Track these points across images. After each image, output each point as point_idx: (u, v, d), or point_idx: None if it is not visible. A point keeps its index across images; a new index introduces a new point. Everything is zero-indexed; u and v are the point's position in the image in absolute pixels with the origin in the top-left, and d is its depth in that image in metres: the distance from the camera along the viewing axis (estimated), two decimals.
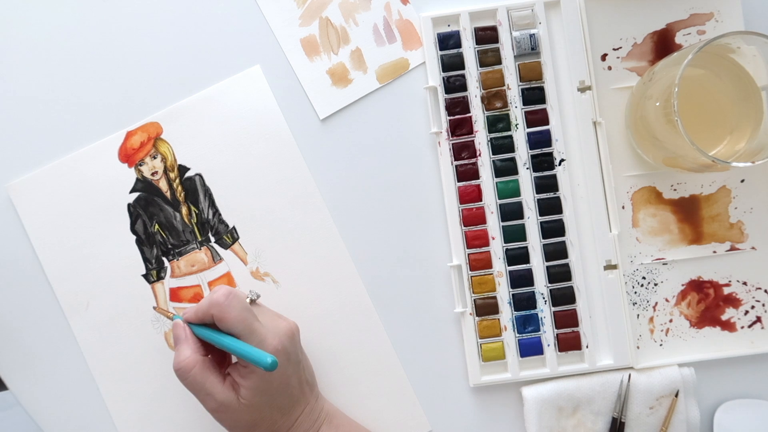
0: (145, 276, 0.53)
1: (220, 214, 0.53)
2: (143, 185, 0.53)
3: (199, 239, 0.53)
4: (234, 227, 0.53)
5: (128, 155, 0.53)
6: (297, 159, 0.53)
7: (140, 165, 0.53)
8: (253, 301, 0.48)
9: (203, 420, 0.52)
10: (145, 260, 0.53)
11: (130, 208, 0.53)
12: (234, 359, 0.48)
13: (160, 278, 0.53)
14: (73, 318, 0.53)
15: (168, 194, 0.53)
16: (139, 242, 0.53)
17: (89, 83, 0.54)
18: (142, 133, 0.53)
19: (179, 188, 0.53)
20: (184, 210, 0.53)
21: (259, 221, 0.53)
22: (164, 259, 0.53)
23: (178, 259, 0.53)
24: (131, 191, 0.53)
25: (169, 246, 0.53)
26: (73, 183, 0.53)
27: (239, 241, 0.53)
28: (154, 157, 0.53)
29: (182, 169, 0.53)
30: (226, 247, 0.53)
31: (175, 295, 0.53)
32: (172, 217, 0.53)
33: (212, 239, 0.53)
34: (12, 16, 0.54)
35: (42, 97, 0.54)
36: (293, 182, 0.53)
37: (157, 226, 0.53)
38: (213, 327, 0.46)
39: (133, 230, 0.53)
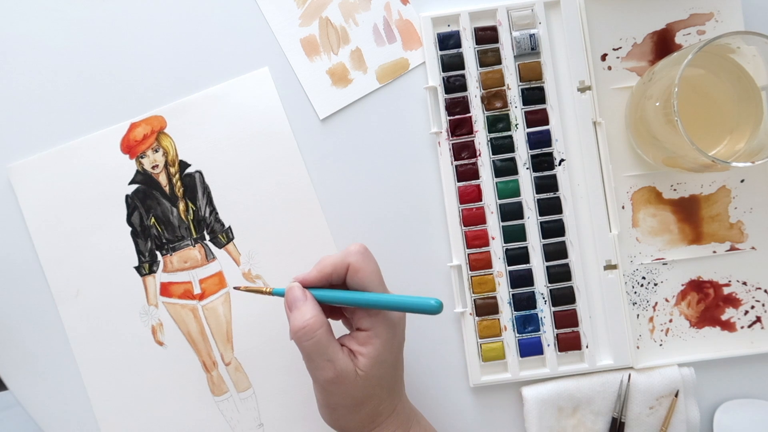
0: (137, 268, 0.53)
1: (217, 213, 0.53)
2: (143, 178, 0.53)
3: (194, 236, 0.53)
4: (230, 227, 0.53)
5: (130, 147, 0.53)
6: (298, 163, 0.53)
7: (141, 157, 0.53)
8: None
9: (183, 416, 0.52)
10: (139, 253, 0.53)
11: (128, 199, 0.53)
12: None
13: (152, 272, 0.53)
14: (62, 304, 0.53)
15: (167, 189, 0.53)
16: (134, 234, 0.53)
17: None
18: (146, 126, 0.53)
19: (178, 183, 0.53)
20: (181, 206, 0.53)
21: (256, 223, 0.53)
22: (158, 253, 0.53)
23: (171, 254, 0.53)
24: (130, 183, 0.53)
25: (164, 240, 0.53)
26: (73, 170, 0.53)
27: (234, 242, 0.53)
28: (156, 151, 0.53)
29: (183, 165, 0.53)
30: (220, 246, 0.53)
31: (165, 289, 0.53)
32: (168, 212, 0.53)
33: (207, 237, 0.53)
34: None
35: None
36: (292, 186, 0.53)
37: (153, 220, 0.53)
38: (335, 288, 0.43)
39: (129, 222, 0.53)
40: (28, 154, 0.53)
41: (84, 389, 0.53)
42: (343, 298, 0.42)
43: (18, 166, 0.53)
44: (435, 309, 0.38)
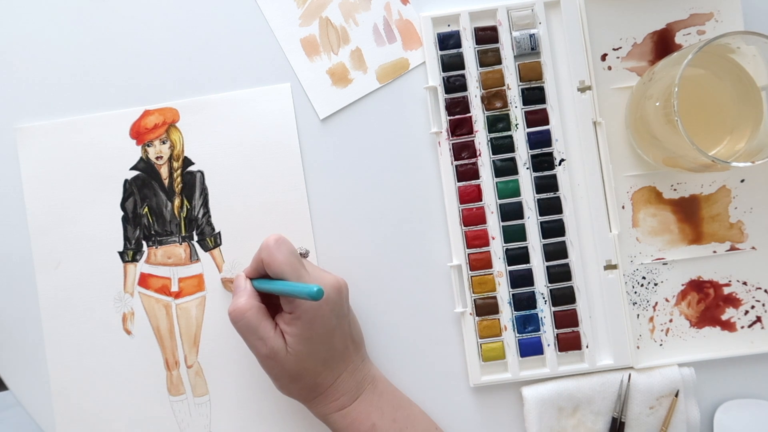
0: (121, 254, 0.53)
1: (209, 216, 0.53)
2: (145, 166, 0.53)
3: (183, 234, 0.53)
4: (219, 232, 0.53)
5: (139, 133, 0.53)
6: (299, 185, 0.53)
7: (148, 146, 0.53)
8: (302, 255, 0.48)
9: (135, 407, 0.53)
10: (126, 239, 0.53)
11: (126, 184, 0.53)
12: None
13: (134, 260, 0.53)
14: (40, 273, 0.53)
15: (166, 182, 0.53)
16: (125, 220, 0.53)
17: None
18: (159, 116, 0.53)
19: (178, 179, 0.53)
20: (176, 201, 0.53)
21: (245, 234, 0.53)
22: (144, 242, 0.53)
23: (156, 247, 0.53)
24: (131, 168, 0.53)
25: (153, 232, 0.53)
26: (79, 143, 0.53)
27: (220, 248, 0.53)
28: (164, 142, 0.53)
29: (186, 162, 0.53)
30: (206, 249, 0.53)
31: (143, 280, 0.53)
32: (163, 205, 0.53)
33: (195, 238, 0.53)
34: None
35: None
36: (288, 207, 0.53)
37: (146, 209, 0.53)
38: (268, 278, 0.47)
39: (123, 207, 0.53)
40: (40, 118, 0.54)
41: (85, 389, 0.53)
42: (261, 286, 0.47)
43: (26, 128, 0.54)
44: (314, 295, 0.41)
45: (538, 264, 0.52)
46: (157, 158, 0.53)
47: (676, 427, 0.51)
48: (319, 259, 0.53)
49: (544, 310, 0.52)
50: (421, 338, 0.53)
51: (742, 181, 0.53)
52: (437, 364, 0.53)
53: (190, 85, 0.54)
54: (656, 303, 0.53)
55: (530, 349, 0.52)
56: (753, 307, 0.53)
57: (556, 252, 0.52)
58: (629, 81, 0.53)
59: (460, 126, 0.53)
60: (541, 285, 0.52)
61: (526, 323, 0.52)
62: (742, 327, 0.53)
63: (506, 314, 0.52)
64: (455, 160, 0.53)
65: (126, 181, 0.53)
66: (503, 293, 0.52)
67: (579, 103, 0.52)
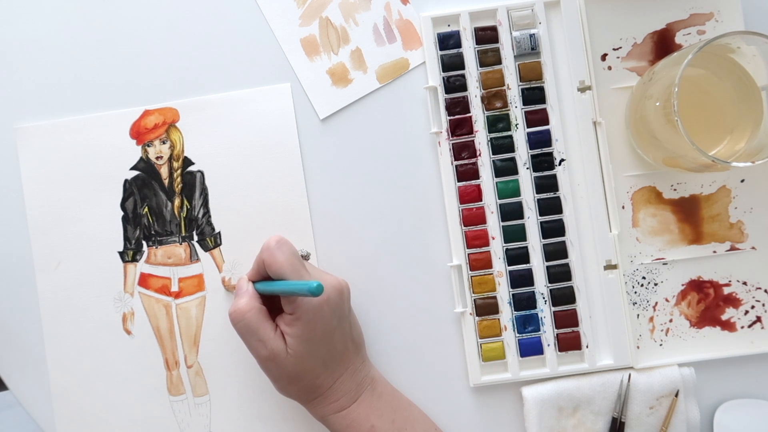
0: (121, 254, 0.53)
1: (209, 216, 0.53)
2: (145, 166, 0.53)
3: (183, 234, 0.53)
4: (219, 232, 0.53)
5: (139, 133, 0.53)
6: (299, 185, 0.53)
7: (148, 146, 0.53)
8: (303, 258, 0.48)
9: (136, 407, 0.53)
10: (126, 239, 0.53)
11: (126, 184, 0.53)
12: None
13: (134, 260, 0.53)
14: (41, 273, 0.53)
15: (166, 182, 0.53)
16: (125, 220, 0.53)
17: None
18: (159, 115, 0.54)
19: (178, 179, 0.53)
20: (176, 201, 0.53)
21: (245, 234, 0.53)
22: (144, 242, 0.53)
23: (157, 247, 0.53)
24: (131, 168, 0.53)
25: (153, 232, 0.53)
26: (79, 143, 0.53)
27: (220, 248, 0.53)
28: (164, 142, 0.53)
29: (186, 162, 0.53)
30: (206, 249, 0.53)
31: (143, 280, 0.53)
32: (163, 205, 0.53)
33: (195, 238, 0.53)
34: None
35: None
36: (288, 207, 0.53)
37: (146, 209, 0.53)
38: (269, 280, 0.47)
39: (123, 207, 0.53)
40: (40, 118, 0.54)
41: (85, 389, 0.53)
42: (258, 289, 0.47)
43: (26, 128, 0.54)
44: (314, 290, 0.41)
45: (538, 264, 0.52)
46: (157, 158, 0.53)
47: (676, 427, 0.51)
48: (319, 260, 0.53)
49: (544, 310, 0.52)
50: (421, 338, 0.53)
51: (742, 181, 0.53)
52: (437, 364, 0.53)
53: (190, 85, 0.54)
54: (656, 303, 0.53)
55: (530, 349, 0.52)
56: (753, 307, 0.53)
57: (556, 252, 0.52)
58: (629, 81, 0.53)
59: (460, 126, 0.53)
60: (541, 285, 0.52)
61: (526, 323, 0.52)
62: (742, 327, 0.53)
63: (506, 314, 0.52)
64: (455, 160, 0.53)
65: (126, 181, 0.53)
66: (503, 293, 0.52)
67: (579, 103, 0.53)
